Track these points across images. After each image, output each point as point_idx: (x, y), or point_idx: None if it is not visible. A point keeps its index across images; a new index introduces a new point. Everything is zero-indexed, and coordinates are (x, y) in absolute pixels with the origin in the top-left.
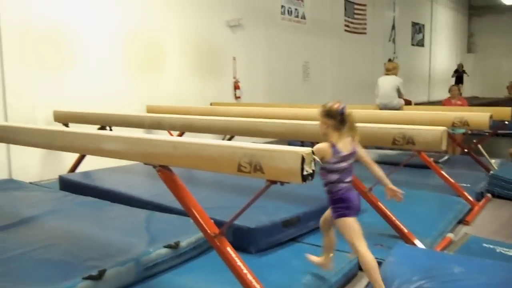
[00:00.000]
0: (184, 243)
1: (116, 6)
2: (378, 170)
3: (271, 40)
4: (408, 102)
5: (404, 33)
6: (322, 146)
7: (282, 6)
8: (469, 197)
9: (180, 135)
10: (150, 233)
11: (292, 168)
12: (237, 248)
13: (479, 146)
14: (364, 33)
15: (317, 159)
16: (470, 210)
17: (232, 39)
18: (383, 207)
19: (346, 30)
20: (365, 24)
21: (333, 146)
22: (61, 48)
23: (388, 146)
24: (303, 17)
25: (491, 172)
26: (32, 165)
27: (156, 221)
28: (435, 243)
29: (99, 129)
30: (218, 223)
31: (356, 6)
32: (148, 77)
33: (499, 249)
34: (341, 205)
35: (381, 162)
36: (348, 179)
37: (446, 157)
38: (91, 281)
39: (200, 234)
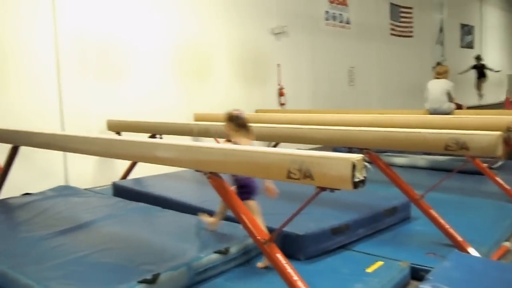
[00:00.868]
0: (233, 249)
1: (165, 19)
2: None
3: (316, 46)
4: (459, 106)
5: (452, 35)
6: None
7: (326, 12)
8: None
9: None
10: (200, 238)
11: (343, 175)
12: (286, 255)
13: None
14: (411, 36)
15: (368, 166)
16: None
17: (276, 46)
18: (435, 214)
19: (392, 34)
20: (411, 27)
21: (233, 143)
22: (114, 60)
23: (441, 152)
24: (348, 22)
25: None
26: (87, 172)
27: (206, 227)
28: (491, 252)
29: (150, 137)
30: (267, 230)
31: (402, 9)
32: (196, 86)
33: None
34: (244, 190)
35: (431, 168)
36: None
37: (500, 163)
38: (146, 284)
39: (249, 240)
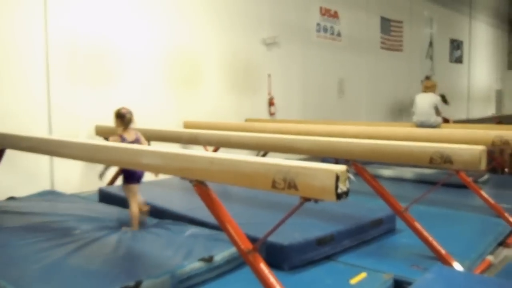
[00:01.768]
0: (218, 257)
1: (156, 26)
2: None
3: (306, 57)
4: (446, 120)
5: (441, 50)
6: (114, 137)
7: (318, 24)
8: (510, 219)
9: (215, 150)
10: (184, 246)
11: (326, 186)
12: (270, 264)
13: None
14: (401, 50)
15: (352, 177)
16: (511, 232)
17: (267, 56)
18: (419, 227)
19: (382, 47)
20: (401, 41)
21: (120, 136)
22: (104, 66)
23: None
24: (339, 34)
25: None
26: (73, 177)
27: (190, 234)
28: (474, 265)
29: None
30: (252, 239)
31: (392, 23)
32: (186, 94)
33: None
34: (126, 176)
35: (418, 180)
36: None
37: (486, 177)
38: None
39: (234, 249)
